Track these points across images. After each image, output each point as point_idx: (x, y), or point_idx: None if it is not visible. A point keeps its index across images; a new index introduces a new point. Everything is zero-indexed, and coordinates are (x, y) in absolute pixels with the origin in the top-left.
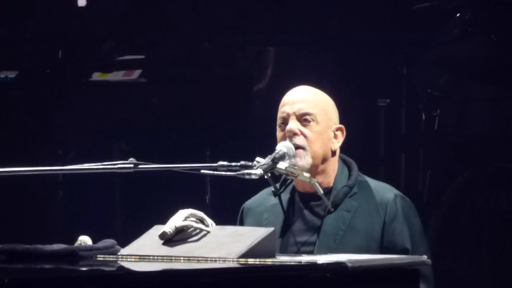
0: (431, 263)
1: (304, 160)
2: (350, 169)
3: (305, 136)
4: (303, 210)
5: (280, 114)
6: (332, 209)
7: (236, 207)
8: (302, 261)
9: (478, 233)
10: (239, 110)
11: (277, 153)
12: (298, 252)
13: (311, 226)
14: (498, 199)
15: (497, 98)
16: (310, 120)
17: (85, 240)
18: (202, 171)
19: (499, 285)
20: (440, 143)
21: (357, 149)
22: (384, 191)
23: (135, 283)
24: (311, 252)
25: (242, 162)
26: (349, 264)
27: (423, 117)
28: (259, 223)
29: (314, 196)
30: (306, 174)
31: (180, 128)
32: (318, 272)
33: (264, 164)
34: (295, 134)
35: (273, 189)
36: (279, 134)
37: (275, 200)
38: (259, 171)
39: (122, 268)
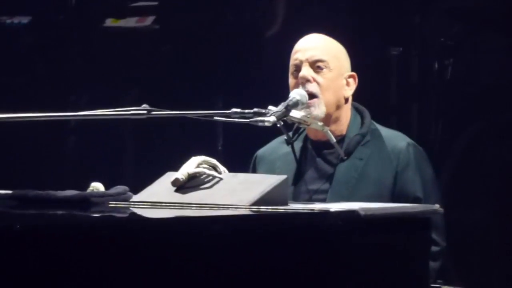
0: (443, 212)
1: (318, 109)
2: (362, 117)
3: (318, 83)
4: (316, 158)
5: (292, 62)
6: (345, 157)
7: (249, 154)
8: (315, 209)
9: (489, 184)
10: (251, 58)
11: (291, 100)
12: (311, 200)
13: (323, 174)
14: (510, 150)
15: (510, 48)
16: (323, 67)
17: (97, 186)
18: (215, 118)
19: (510, 235)
20: (452, 92)
21: (369, 98)
22: (396, 139)
23: (147, 229)
24: (323, 200)
25: (255, 109)
26: (362, 212)
27: (436, 66)
28: (271, 171)
29: (327, 144)
30: (319, 123)
31: (193, 75)
32: (330, 220)
33: (277, 111)
34: (308, 80)
35: (285, 138)
36: (291, 81)
37: (287, 148)
38: (272, 118)
39: (134, 214)
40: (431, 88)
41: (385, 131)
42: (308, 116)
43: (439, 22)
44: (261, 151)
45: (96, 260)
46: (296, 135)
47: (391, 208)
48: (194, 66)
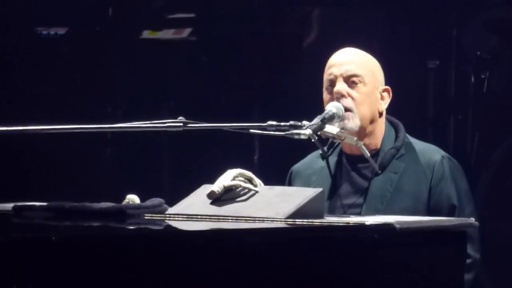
0: (478, 225)
1: (353, 122)
2: (397, 131)
3: (352, 98)
4: (351, 172)
5: (326, 77)
6: (380, 171)
7: (285, 167)
8: (350, 222)
9: None
10: (287, 70)
11: (327, 113)
12: (346, 214)
13: (358, 188)
14: None
15: None
16: (358, 82)
17: (133, 198)
18: (251, 130)
19: None
20: (489, 105)
21: (406, 111)
22: (431, 152)
23: (183, 242)
24: (358, 214)
25: (291, 122)
26: (397, 226)
27: (472, 79)
28: (308, 186)
29: (362, 158)
30: (353, 138)
31: (229, 87)
32: (366, 233)
33: (313, 124)
34: (342, 96)
35: (321, 152)
36: (326, 96)
37: (323, 163)
38: (308, 131)
39: (169, 227)
40: (468, 101)
41: (419, 145)
42: (343, 131)
43: (476, 35)
44: (296, 166)
45: (131, 273)
46: (331, 149)
47: (427, 221)
48: (231, 78)
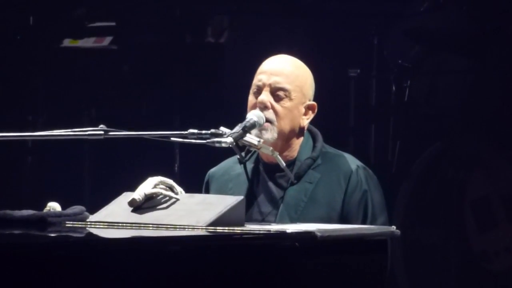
0: (400, 233)
1: (270, 134)
2: (315, 141)
3: (275, 111)
4: (267, 181)
5: (255, 81)
6: (295, 181)
7: (205, 175)
8: (271, 230)
9: (447, 204)
10: (209, 79)
11: (248, 121)
12: (263, 222)
13: (273, 197)
14: (467, 171)
15: (467, 70)
16: (283, 96)
17: (54, 206)
18: (172, 138)
19: (468, 256)
20: (410, 114)
21: (327, 119)
22: (346, 162)
23: (104, 250)
24: (273, 223)
25: (212, 130)
26: (318, 234)
27: (393, 88)
28: (224, 192)
29: (278, 167)
30: (269, 148)
31: (151, 95)
32: (287, 241)
33: (234, 132)
34: (266, 106)
35: (238, 157)
36: (251, 99)
37: (240, 169)
38: (229, 139)
39: (90, 234)
40: (389, 110)
41: (336, 154)
42: (259, 140)
43: (397, 43)
44: (213, 171)
45: (52, 280)
46: (249, 155)
47: (348, 229)
48: (152, 87)
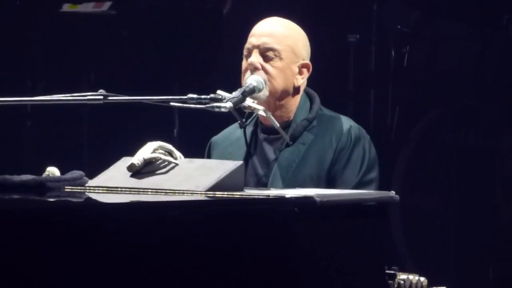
0: (399, 198)
1: (262, 92)
2: (311, 103)
3: (266, 71)
4: (264, 143)
5: (246, 45)
6: (291, 142)
7: (205, 140)
8: (270, 195)
9: (446, 170)
10: (209, 43)
11: (247, 86)
12: (258, 184)
13: (268, 158)
14: (466, 137)
15: (467, 35)
16: (273, 56)
17: (53, 171)
18: (171, 103)
19: (466, 221)
20: (409, 80)
21: (326, 85)
22: (340, 122)
23: (103, 214)
24: (266, 184)
25: (212, 95)
26: (317, 199)
27: (393, 53)
28: (224, 157)
29: (276, 130)
30: (261, 107)
31: (150, 60)
32: (286, 206)
33: (234, 97)
34: (255, 68)
35: (239, 122)
36: (243, 64)
37: (239, 133)
38: (228, 104)
39: (89, 199)
40: (388, 76)
41: (331, 116)
42: (253, 101)
43: (396, 9)
44: (215, 138)
45: (51, 245)
46: (250, 119)
47: (347, 194)
48: (151, 52)
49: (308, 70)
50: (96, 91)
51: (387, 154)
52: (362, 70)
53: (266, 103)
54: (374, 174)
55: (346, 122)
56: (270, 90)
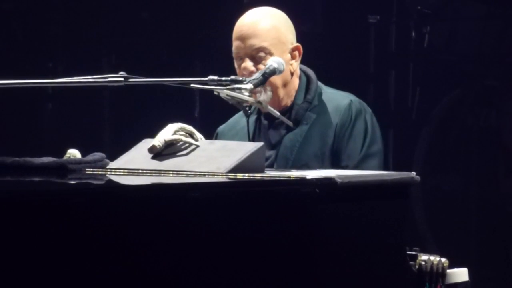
0: (420, 179)
1: (265, 95)
2: (309, 82)
3: None
4: (268, 129)
5: (233, 49)
6: (295, 127)
7: (225, 122)
8: (291, 176)
9: (467, 151)
10: (228, 25)
11: (268, 68)
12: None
13: (273, 143)
14: (488, 117)
15: (487, 16)
16: (263, 55)
17: (74, 153)
18: (192, 85)
19: (488, 202)
20: (430, 60)
21: (347, 66)
22: (340, 98)
23: (124, 196)
24: (271, 166)
25: (233, 77)
26: (338, 180)
27: (413, 34)
28: None
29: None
30: (260, 102)
31: (171, 42)
32: (307, 187)
33: (254, 79)
34: (251, 72)
35: (244, 111)
36: (236, 65)
37: (245, 122)
38: (249, 86)
39: (110, 181)
40: (409, 56)
41: (331, 93)
42: (249, 95)
43: None
44: (221, 127)
45: (72, 227)
46: (253, 107)
47: (367, 175)
48: (172, 33)
49: (299, 52)
50: (117, 72)
51: (408, 134)
52: (383, 51)
53: (271, 101)
54: (378, 146)
55: (346, 97)
56: (273, 89)
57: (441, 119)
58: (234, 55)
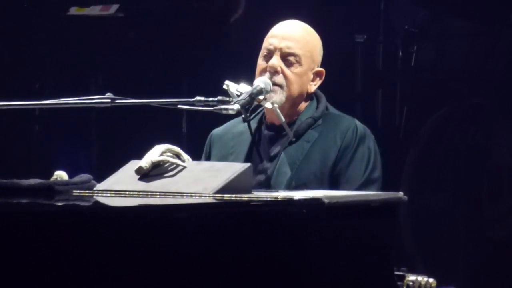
0: (407, 199)
1: (278, 97)
2: (318, 102)
3: (285, 75)
4: (268, 140)
5: (266, 44)
6: (294, 139)
7: None
8: (278, 197)
9: (455, 169)
10: (215, 46)
11: (255, 88)
12: (261, 180)
13: (272, 156)
14: (475, 135)
15: (474, 34)
16: (294, 61)
17: (61, 175)
18: (179, 106)
19: (476, 220)
20: (417, 79)
21: (334, 85)
22: (345, 121)
23: (111, 218)
24: (269, 180)
25: (219, 97)
26: (326, 200)
27: (400, 53)
28: (226, 150)
29: (280, 128)
30: (269, 102)
31: (157, 62)
32: (294, 208)
33: (241, 99)
34: (276, 71)
35: (243, 116)
36: (260, 63)
37: (242, 127)
38: (236, 106)
39: (97, 203)
40: (396, 75)
41: (337, 115)
42: (266, 98)
43: (403, 9)
44: (216, 130)
45: (59, 249)
46: (253, 115)
47: (355, 195)
48: (159, 54)
49: (320, 78)
50: (104, 93)
51: (396, 153)
52: (370, 70)
53: (280, 107)
54: (378, 173)
55: (351, 121)
56: (287, 96)
57: (428, 138)
58: (263, 50)
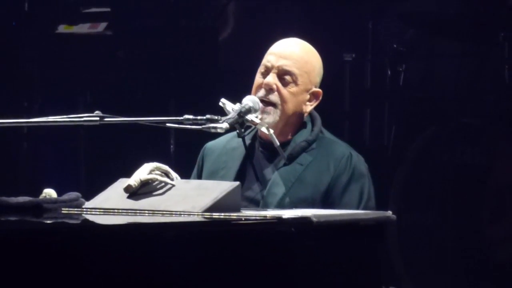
0: (395, 218)
1: (272, 117)
2: (313, 125)
3: (280, 94)
4: (261, 158)
5: (264, 61)
6: (287, 162)
7: None
8: (267, 216)
9: (443, 188)
10: (204, 64)
11: (243, 107)
12: (252, 199)
13: (264, 175)
14: (463, 154)
15: (462, 53)
16: (290, 80)
17: (49, 192)
18: (168, 124)
19: (464, 240)
20: (405, 98)
21: (322, 104)
22: (340, 148)
23: (99, 236)
24: (259, 200)
25: (208, 116)
26: (314, 219)
27: (389, 72)
28: (217, 165)
29: (274, 146)
30: (265, 125)
31: (146, 81)
32: (283, 227)
33: (230, 118)
34: (271, 89)
35: (237, 131)
36: (258, 79)
37: (236, 143)
38: (224, 125)
39: (86, 221)
40: (384, 94)
41: (332, 140)
42: (258, 117)
43: (392, 27)
44: (210, 144)
45: (48, 267)
46: (248, 131)
47: (344, 215)
48: (147, 72)
49: (317, 99)
50: (93, 111)
51: (384, 172)
52: (358, 89)
53: (273, 125)
54: (373, 202)
55: (346, 149)
56: (281, 115)
57: (416, 157)
58: (262, 67)
